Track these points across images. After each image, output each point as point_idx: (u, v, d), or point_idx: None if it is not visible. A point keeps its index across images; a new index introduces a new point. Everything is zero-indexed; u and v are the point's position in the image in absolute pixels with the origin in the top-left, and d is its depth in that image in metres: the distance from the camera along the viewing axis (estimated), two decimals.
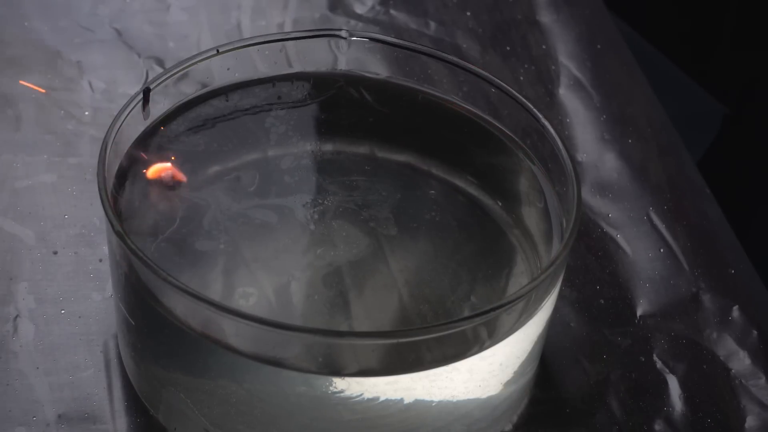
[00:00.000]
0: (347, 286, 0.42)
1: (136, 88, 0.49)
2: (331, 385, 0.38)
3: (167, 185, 0.44)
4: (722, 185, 0.55)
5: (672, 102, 0.56)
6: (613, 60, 0.58)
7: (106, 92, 0.53)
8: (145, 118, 0.43)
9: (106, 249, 0.46)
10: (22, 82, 0.53)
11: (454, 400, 0.40)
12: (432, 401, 0.39)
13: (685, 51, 0.71)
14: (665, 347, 0.46)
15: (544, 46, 0.58)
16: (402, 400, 0.38)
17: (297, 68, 0.47)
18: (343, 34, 0.46)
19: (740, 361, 0.46)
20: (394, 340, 0.37)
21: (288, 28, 0.58)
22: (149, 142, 0.43)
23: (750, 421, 0.44)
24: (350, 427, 0.39)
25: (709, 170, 0.55)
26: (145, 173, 0.43)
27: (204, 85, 0.45)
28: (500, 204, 0.45)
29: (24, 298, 0.45)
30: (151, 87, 0.43)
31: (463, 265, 0.43)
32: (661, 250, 0.49)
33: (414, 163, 0.46)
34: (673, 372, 0.45)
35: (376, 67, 0.47)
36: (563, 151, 0.42)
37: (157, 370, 0.41)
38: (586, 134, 0.54)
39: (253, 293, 0.41)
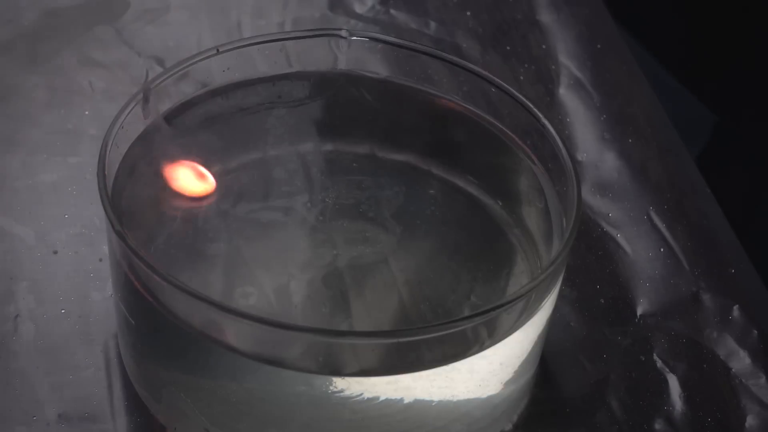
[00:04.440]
0: (347, 285, 0.42)
1: (136, 88, 0.49)
2: (331, 384, 0.38)
3: (167, 185, 0.44)
4: (722, 185, 0.55)
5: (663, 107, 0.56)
6: (613, 60, 0.58)
7: (106, 92, 0.53)
8: (145, 117, 0.43)
9: (106, 249, 0.46)
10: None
11: (454, 399, 0.40)
12: (432, 401, 0.39)
13: (678, 54, 0.70)
14: (665, 347, 0.46)
15: (544, 46, 0.58)
16: (402, 399, 0.38)
17: (297, 68, 0.46)
18: (343, 33, 0.46)
19: (740, 361, 0.46)
20: (394, 340, 0.37)
21: (288, 27, 0.58)
22: (149, 142, 0.43)
23: (750, 421, 0.44)
24: (350, 427, 0.39)
25: (709, 170, 0.55)
26: (145, 173, 0.43)
27: (204, 85, 0.45)
28: (500, 204, 0.45)
29: (24, 298, 0.45)
30: (151, 87, 0.43)
31: (463, 265, 0.43)
32: (662, 250, 0.49)
33: (414, 162, 0.46)
34: (673, 371, 0.45)
35: (376, 67, 0.47)
36: (563, 151, 0.42)
37: (157, 369, 0.41)
38: (586, 134, 0.54)
39: (253, 293, 0.41)
